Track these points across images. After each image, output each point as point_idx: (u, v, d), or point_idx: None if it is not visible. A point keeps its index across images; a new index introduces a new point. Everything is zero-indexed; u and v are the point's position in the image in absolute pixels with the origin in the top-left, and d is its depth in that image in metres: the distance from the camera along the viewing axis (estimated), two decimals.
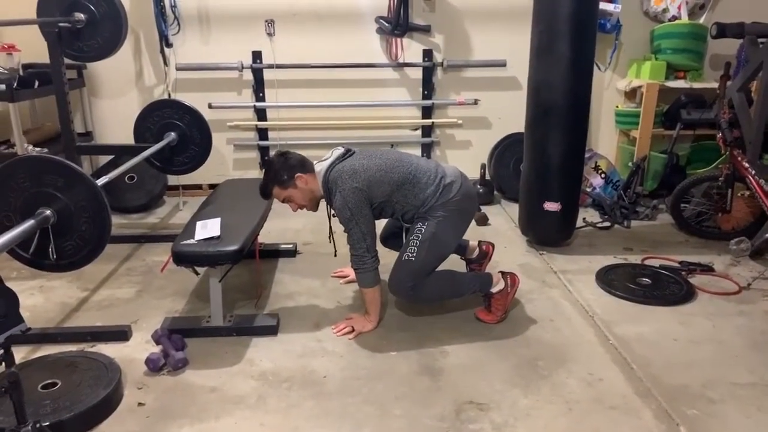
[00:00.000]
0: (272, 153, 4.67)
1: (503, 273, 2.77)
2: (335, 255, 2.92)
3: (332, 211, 2.63)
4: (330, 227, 2.77)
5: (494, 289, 2.70)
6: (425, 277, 2.57)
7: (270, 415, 2.09)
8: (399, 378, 2.30)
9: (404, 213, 2.62)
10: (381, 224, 2.77)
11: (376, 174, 2.51)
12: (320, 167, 2.57)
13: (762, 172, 3.33)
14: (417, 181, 2.54)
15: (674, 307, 2.84)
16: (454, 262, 2.90)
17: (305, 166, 2.60)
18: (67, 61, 3.37)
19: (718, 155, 4.05)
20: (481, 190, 4.55)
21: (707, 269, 3.23)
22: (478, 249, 3.03)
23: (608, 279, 3.10)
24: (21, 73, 3.77)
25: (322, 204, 2.69)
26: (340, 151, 2.62)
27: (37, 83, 3.80)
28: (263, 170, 2.60)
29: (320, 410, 2.11)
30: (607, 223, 4.00)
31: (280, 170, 2.57)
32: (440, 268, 2.64)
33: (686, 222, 3.84)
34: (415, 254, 2.53)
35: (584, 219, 4.01)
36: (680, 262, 3.30)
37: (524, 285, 3.03)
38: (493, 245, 3.06)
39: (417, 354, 2.47)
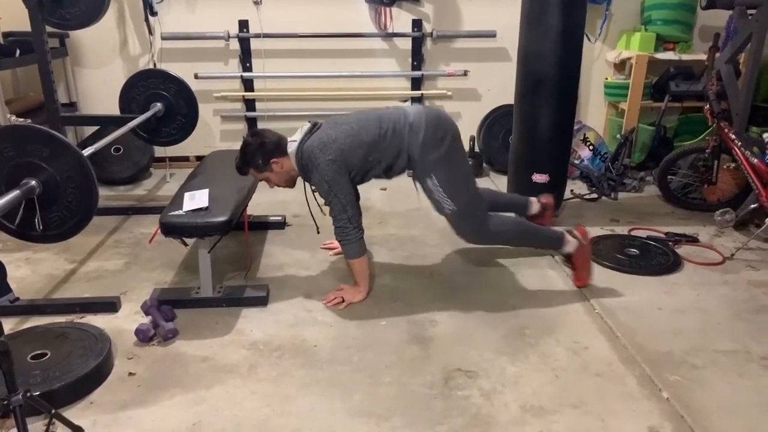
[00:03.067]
0: (257, 127, 4.64)
1: (569, 231, 2.79)
2: (318, 232, 2.95)
3: (311, 188, 2.63)
4: (309, 204, 2.76)
5: (570, 249, 2.75)
6: (483, 216, 2.64)
7: (261, 383, 2.11)
8: (389, 347, 2.33)
9: (386, 166, 2.60)
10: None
11: (346, 141, 2.49)
12: (291, 148, 2.55)
13: (748, 144, 3.36)
14: (385, 132, 2.53)
15: (660, 277, 2.88)
16: None
17: (281, 148, 2.57)
18: (49, 29, 3.29)
19: (705, 128, 4.07)
20: (470, 163, 4.55)
21: (692, 240, 3.28)
22: (538, 203, 3.08)
23: (597, 249, 3.13)
24: (1, 41, 3.68)
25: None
26: (306, 126, 2.60)
27: (18, 52, 3.72)
28: (239, 150, 2.58)
29: (311, 378, 2.14)
30: (595, 195, 4.03)
31: (256, 154, 2.56)
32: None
33: (672, 194, 3.87)
34: (452, 203, 2.56)
35: (572, 191, 4.03)
36: (666, 233, 3.34)
37: (512, 256, 3.07)
38: (552, 195, 3.12)
39: (406, 323, 2.50)
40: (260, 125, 4.67)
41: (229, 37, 4.40)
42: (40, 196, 2.24)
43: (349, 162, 2.51)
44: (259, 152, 2.55)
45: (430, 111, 2.62)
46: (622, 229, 3.47)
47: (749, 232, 3.40)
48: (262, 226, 3.49)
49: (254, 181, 2.94)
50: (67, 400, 1.99)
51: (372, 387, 2.09)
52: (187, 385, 2.10)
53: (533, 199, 3.10)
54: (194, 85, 3.84)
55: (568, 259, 2.82)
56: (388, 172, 2.67)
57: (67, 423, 1.78)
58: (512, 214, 2.98)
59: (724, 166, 3.64)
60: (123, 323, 2.49)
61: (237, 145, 2.76)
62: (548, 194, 3.13)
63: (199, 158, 4.56)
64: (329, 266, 3.03)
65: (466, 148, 4.43)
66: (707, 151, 3.59)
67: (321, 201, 2.62)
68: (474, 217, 2.64)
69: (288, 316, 2.55)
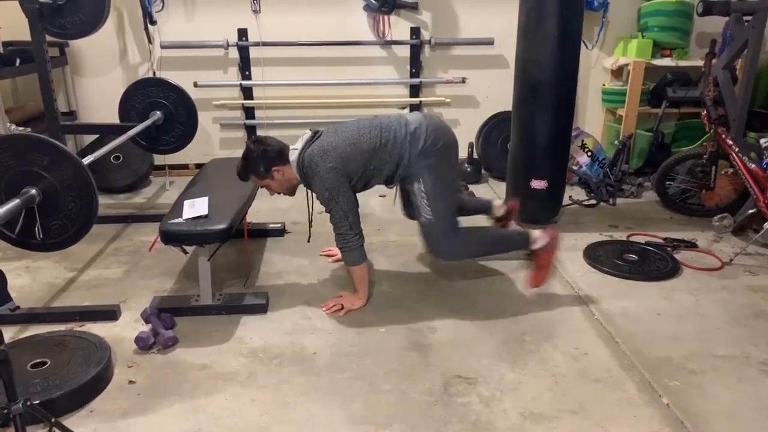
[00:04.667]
0: (256, 134, 4.66)
1: (543, 231, 2.78)
2: (308, 241, 2.98)
3: (312, 195, 2.65)
4: (309, 213, 2.79)
5: (536, 246, 2.73)
6: (455, 231, 2.63)
7: (261, 391, 2.11)
8: (388, 354, 2.33)
9: (387, 175, 2.62)
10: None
11: (347, 149, 2.50)
12: (293, 156, 2.57)
13: (745, 149, 3.37)
14: (386, 141, 2.54)
15: (659, 283, 2.89)
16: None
17: (283, 156, 2.58)
18: (48, 38, 3.31)
19: (702, 133, 4.09)
20: (468, 169, 4.57)
21: (691, 245, 3.28)
22: (503, 206, 3.09)
23: (596, 255, 3.14)
24: (1, 50, 3.70)
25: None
26: (307, 135, 2.62)
27: (18, 61, 3.73)
28: (241, 156, 2.60)
29: (310, 386, 2.14)
30: (593, 201, 4.04)
31: (258, 161, 2.57)
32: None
33: (671, 199, 3.88)
34: (430, 212, 2.57)
35: (570, 197, 4.04)
36: (664, 239, 3.35)
37: (511, 262, 3.07)
38: (518, 201, 3.13)
39: (406, 330, 2.50)
40: (259, 133, 4.68)
41: (228, 45, 4.42)
42: (40, 204, 2.24)
43: (349, 169, 2.52)
44: (261, 159, 2.56)
45: (430, 120, 2.64)
46: (620, 235, 3.47)
47: (747, 237, 3.41)
48: (262, 233, 3.49)
49: (254, 188, 2.95)
50: (67, 408, 1.99)
51: (371, 394, 2.09)
52: (187, 393, 2.10)
53: (497, 202, 3.13)
54: (193, 94, 3.85)
55: (531, 256, 2.78)
56: (389, 182, 2.69)
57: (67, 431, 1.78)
58: (481, 226, 3.00)
59: (722, 172, 3.65)
60: (123, 331, 2.49)
61: (236, 153, 2.79)
62: (515, 199, 3.16)
63: (198, 166, 4.57)
64: (328, 273, 3.03)
65: (465, 154, 4.52)
66: (705, 156, 3.60)
67: (318, 210, 2.62)
68: (446, 232, 2.62)
69: (287, 324, 2.55)
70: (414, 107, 4.73)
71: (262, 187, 2.71)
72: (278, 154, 2.58)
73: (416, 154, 2.54)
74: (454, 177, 2.71)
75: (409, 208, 2.89)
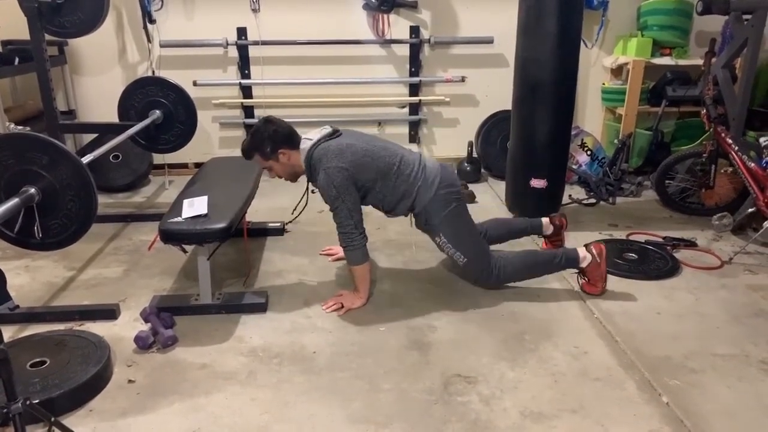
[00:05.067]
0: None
1: (587, 246, 2.78)
2: (287, 222, 2.93)
3: (312, 188, 2.64)
4: (305, 203, 2.78)
5: (584, 264, 2.72)
6: (490, 260, 2.67)
7: (260, 390, 2.11)
8: (388, 353, 2.33)
9: (385, 203, 2.63)
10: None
11: (363, 158, 2.51)
12: (305, 144, 2.56)
13: (745, 148, 3.37)
14: (401, 172, 2.55)
15: (659, 282, 2.89)
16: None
17: (292, 140, 2.58)
18: (47, 37, 3.30)
19: (702, 132, 4.09)
20: (468, 168, 4.56)
21: (690, 244, 3.28)
22: (551, 224, 3.08)
23: None
24: (0, 49, 3.69)
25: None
26: (327, 130, 2.61)
27: (17, 60, 3.73)
28: (249, 132, 2.57)
29: (310, 385, 2.14)
30: (593, 200, 4.04)
31: (265, 140, 2.56)
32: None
33: (670, 198, 3.88)
34: (462, 256, 2.64)
35: (570, 196, 4.04)
36: (664, 238, 3.35)
37: None
38: (564, 217, 3.12)
39: (406, 329, 2.50)
40: None
41: (227, 44, 4.42)
42: (39, 203, 2.24)
43: (358, 177, 2.51)
44: (269, 139, 2.55)
45: (445, 169, 2.66)
46: (620, 234, 3.47)
47: (747, 236, 3.41)
48: (261, 232, 3.49)
49: (253, 186, 2.94)
50: (66, 407, 1.98)
51: (371, 393, 2.09)
52: (187, 392, 2.10)
53: (545, 220, 3.09)
54: (193, 93, 3.85)
55: (582, 273, 2.78)
56: (388, 212, 2.70)
57: (67, 431, 1.78)
58: (530, 249, 2.98)
59: (722, 171, 3.65)
60: (122, 330, 2.49)
61: (236, 153, 2.79)
62: (560, 215, 3.11)
63: (197, 165, 4.55)
64: (328, 272, 3.03)
65: (464, 153, 4.52)
66: (704, 155, 3.59)
67: (318, 209, 2.62)
68: (484, 262, 2.68)
69: (287, 323, 2.55)
70: (413, 106, 4.73)
71: (264, 168, 2.69)
72: (287, 137, 2.57)
73: (427, 200, 2.57)
74: (468, 218, 2.71)
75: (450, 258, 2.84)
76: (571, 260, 2.73)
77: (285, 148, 2.56)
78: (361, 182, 2.53)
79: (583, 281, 2.78)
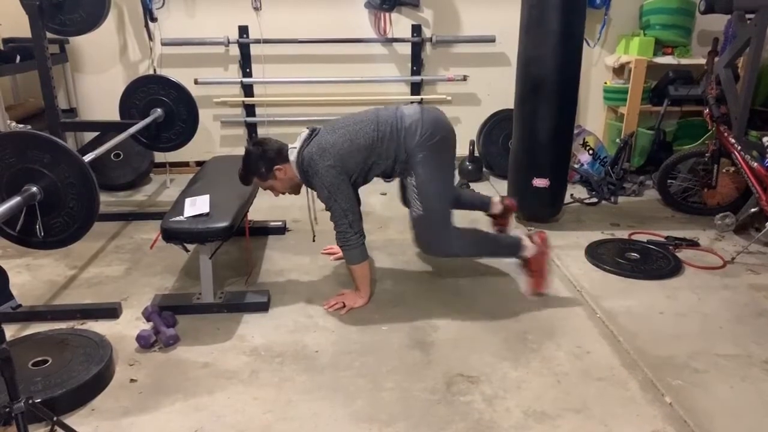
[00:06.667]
0: (257, 132, 4.66)
1: (530, 236, 2.75)
2: (313, 240, 2.99)
3: (313, 194, 2.64)
4: (310, 211, 2.79)
5: (527, 254, 2.70)
6: (446, 228, 2.59)
7: (263, 389, 2.11)
8: (390, 352, 2.32)
9: (385, 169, 2.61)
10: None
11: (344, 146, 2.50)
12: (293, 155, 2.56)
13: (747, 147, 3.36)
14: (382, 136, 2.53)
15: (661, 281, 2.88)
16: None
17: (282, 155, 2.57)
18: (49, 35, 3.30)
19: (704, 131, 4.08)
20: (469, 167, 4.56)
21: (693, 244, 3.28)
22: (501, 204, 3.08)
23: (597, 254, 3.14)
24: (2, 47, 3.69)
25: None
26: (305, 133, 2.61)
27: (18, 58, 3.72)
28: (242, 160, 2.59)
29: (313, 384, 2.13)
30: (595, 199, 4.04)
31: (258, 162, 2.56)
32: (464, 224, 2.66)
33: (672, 198, 3.88)
34: (421, 207, 2.55)
35: (572, 195, 4.04)
36: (666, 237, 3.35)
37: (513, 261, 3.06)
38: (515, 200, 3.11)
39: (408, 328, 2.49)
40: (260, 131, 4.68)
41: (228, 42, 4.41)
42: (41, 202, 2.23)
43: (348, 166, 2.52)
44: (261, 160, 2.56)
45: (427, 114, 2.60)
46: (622, 234, 3.47)
47: (749, 235, 3.40)
48: (263, 231, 3.49)
49: (255, 187, 2.94)
50: (68, 407, 1.98)
51: (374, 392, 2.09)
52: (189, 392, 2.10)
53: (496, 199, 3.11)
54: (194, 91, 3.83)
55: (525, 265, 2.76)
56: (387, 176, 2.68)
57: (69, 430, 1.77)
58: (474, 227, 2.88)
59: (724, 170, 3.65)
60: (124, 329, 2.49)
61: (237, 151, 2.79)
62: (511, 198, 3.14)
63: (199, 164, 4.56)
64: (330, 271, 3.03)
65: (466, 152, 4.51)
66: (707, 155, 3.59)
67: (320, 208, 2.62)
68: (436, 228, 2.59)
69: (289, 322, 2.55)
70: None
71: (266, 189, 2.70)
72: (278, 153, 2.57)
73: (412, 148, 2.53)
74: (448, 171, 2.67)
75: (405, 200, 2.87)
76: (514, 246, 2.71)
77: (279, 164, 2.57)
78: (354, 168, 2.53)
79: (530, 279, 2.74)
